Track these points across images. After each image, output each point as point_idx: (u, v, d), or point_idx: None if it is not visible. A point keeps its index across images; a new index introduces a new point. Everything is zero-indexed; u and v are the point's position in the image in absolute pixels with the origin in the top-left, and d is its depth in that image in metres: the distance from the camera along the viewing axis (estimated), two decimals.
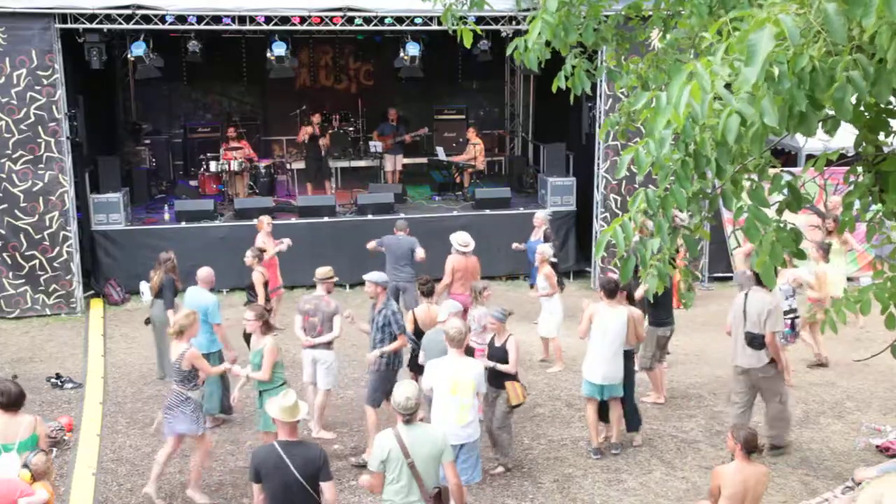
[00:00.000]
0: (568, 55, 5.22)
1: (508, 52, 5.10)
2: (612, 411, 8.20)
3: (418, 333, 8.30)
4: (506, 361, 7.56)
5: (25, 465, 5.72)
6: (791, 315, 9.33)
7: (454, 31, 5.66)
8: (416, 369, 8.44)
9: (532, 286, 11.88)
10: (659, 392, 9.34)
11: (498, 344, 7.63)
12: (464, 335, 6.62)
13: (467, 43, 5.54)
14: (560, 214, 14.28)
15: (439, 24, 12.70)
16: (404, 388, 5.44)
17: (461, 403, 6.52)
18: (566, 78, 5.34)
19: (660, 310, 8.95)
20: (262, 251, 10.40)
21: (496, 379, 7.56)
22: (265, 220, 11.72)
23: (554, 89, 5.43)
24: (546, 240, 11.53)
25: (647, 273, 3.86)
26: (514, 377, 7.61)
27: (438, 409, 6.62)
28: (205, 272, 8.86)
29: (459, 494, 5.58)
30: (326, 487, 5.37)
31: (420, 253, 11.08)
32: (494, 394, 7.65)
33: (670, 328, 9.24)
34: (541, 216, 11.83)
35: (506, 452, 7.82)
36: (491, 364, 7.54)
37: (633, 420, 8.35)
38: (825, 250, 9.97)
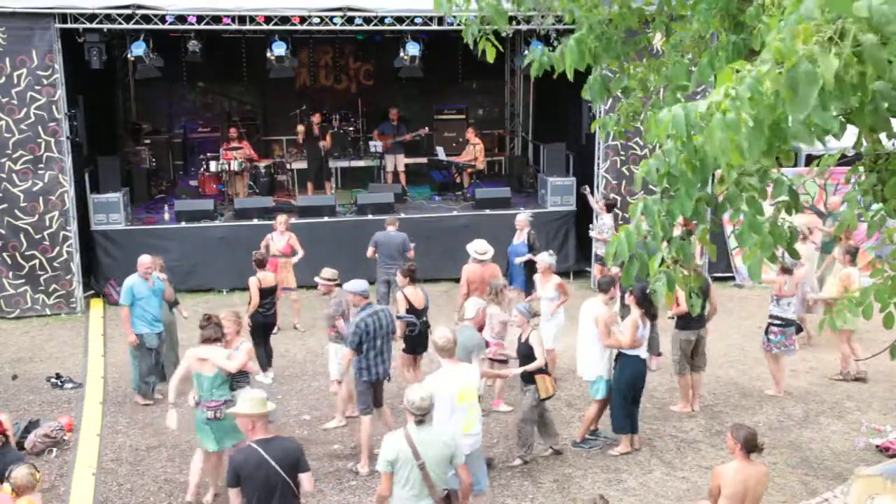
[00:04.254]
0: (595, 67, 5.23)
1: (524, 62, 5.16)
2: (589, 409, 8.34)
3: (414, 312, 8.69)
4: (532, 357, 7.64)
5: (7, 479, 5.65)
6: (778, 323, 9.33)
7: (475, 45, 5.65)
8: (412, 350, 8.79)
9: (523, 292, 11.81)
10: (686, 400, 9.15)
11: (524, 339, 7.76)
12: (452, 343, 6.48)
13: (490, 58, 5.55)
14: (560, 214, 14.30)
15: (439, 23, 12.84)
16: (419, 390, 5.42)
17: (469, 411, 6.40)
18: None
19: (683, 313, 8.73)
20: (263, 259, 10.39)
21: (526, 374, 7.73)
22: (278, 220, 11.82)
23: (584, 95, 5.48)
24: (531, 245, 11.41)
25: (656, 279, 3.87)
26: (544, 370, 7.69)
27: (444, 421, 6.30)
28: (143, 258, 9.39)
29: (468, 493, 5.57)
30: (305, 478, 5.38)
31: (410, 249, 11.34)
32: (525, 388, 7.80)
33: (696, 332, 8.90)
34: (522, 218, 11.61)
35: (527, 444, 7.88)
36: (520, 369, 7.75)
37: (615, 424, 8.17)
38: (852, 255, 9.72)
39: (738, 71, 2.83)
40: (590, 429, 8.39)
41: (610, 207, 12.88)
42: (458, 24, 5.90)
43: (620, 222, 13.35)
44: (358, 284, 7.94)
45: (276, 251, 11.44)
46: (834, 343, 10.17)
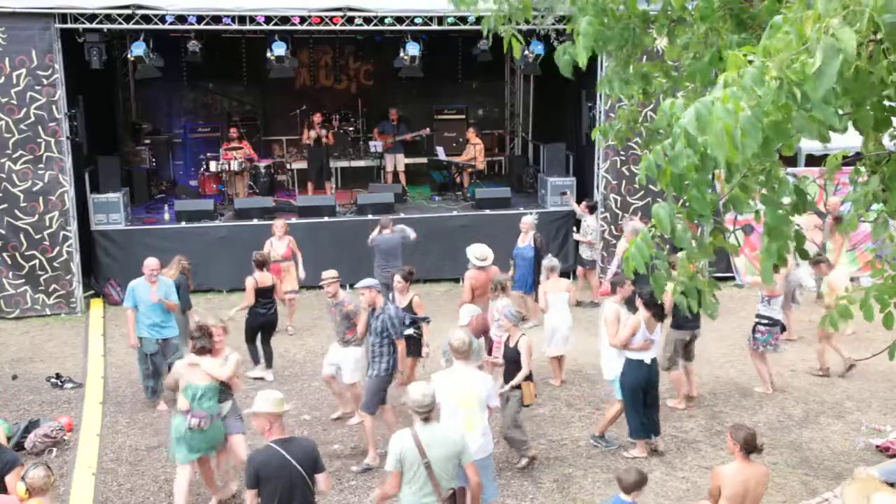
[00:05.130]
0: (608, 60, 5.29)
1: (556, 58, 5.28)
2: (608, 409, 8.34)
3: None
4: (519, 360, 7.60)
5: (23, 479, 5.61)
6: (765, 322, 9.45)
7: (483, 43, 5.75)
8: (418, 353, 8.82)
9: (526, 294, 11.66)
10: (681, 396, 9.27)
11: (511, 344, 7.67)
12: (468, 346, 6.47)
13: (517, 53, 5.61)
14: (560, 214, 14.30)
15: (439, 23, 12.83)
16: (420, 386, 5.41)
17: (467, 417, 6.34)
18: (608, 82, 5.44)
19: (681, 313, 8.68)
20: (263, 260, 10.38)
21: (512, 378, 7.68)
22: (275, 224, 11.79)
23: (600, 88, 5.62)
24: (538, 248, 11.36)
25: (676, 289, 3.88)
26: (529, 377, 7.64)
27: (444, 420, 6.33)
28: (149, 260, 9.31)
29: (478, 493, 5.53)
30: (322, 478, 5.40)
31: (411, 234, 11.44)
32: (509, 393, 7.73)
33: (691, 332, 9.10)
34: (528, 220, 11.58)
35: (524, 446, 7.84)
36: (514, 382, 7.68)
37: (629, 429, 8.19)
38: (826, 262, 10.02)
39: (750, 61, 2.82)
40: (608, 427, 8.39)
41: (592, 209, 12.94)
42: (469, 12, 5.90)
43: (621, 222, 13.35)
44: (374, 280, 8.16)
45: (278, 256, 11.41)
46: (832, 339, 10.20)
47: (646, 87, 5.33)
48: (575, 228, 13.20)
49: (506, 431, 7.81)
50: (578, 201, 14.19)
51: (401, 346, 7.89)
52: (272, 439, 5.36)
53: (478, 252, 9.66)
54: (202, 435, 6.85)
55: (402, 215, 13.65)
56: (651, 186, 12.56)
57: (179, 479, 7.00)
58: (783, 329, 9.65)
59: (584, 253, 12.90)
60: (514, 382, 7.66)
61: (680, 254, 3.82)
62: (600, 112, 13.22)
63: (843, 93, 2.72)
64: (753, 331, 9.57)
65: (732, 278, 13.94)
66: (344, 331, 8.62)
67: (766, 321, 9.45)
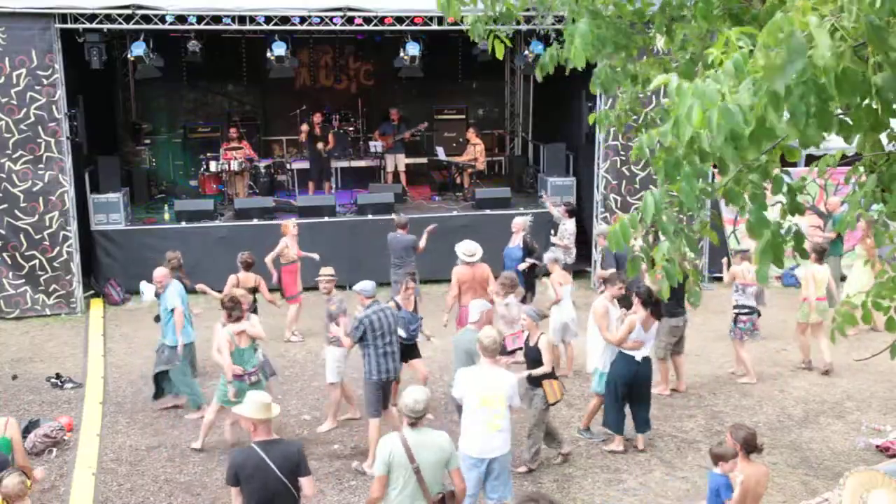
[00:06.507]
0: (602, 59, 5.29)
1: (536, 66, 5.29)
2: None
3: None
4: (540, 360, 7.57)
5: None
6: (745, 311, 9.64)
7: (483, 43, 5.72)
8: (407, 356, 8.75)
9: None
10: (665, 382, 9.46)
11: (532, 343, 7.67)
12: (498, 344, 6.46)
13: (499, 54, 5.61)
14: None
15: (439, 24, 12.83)
16: (413, 392, 5.36)
17: (491, 415, 6.34)
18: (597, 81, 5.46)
19: (671, 300, 8.86)
20: (251, 262, 10.36)
21: (534, 377, 7.66)
22: (290, 224, 11.71)
23: (592, 89, 5.59)
24: (527, 248, 11.40)
25: (655, 274, 3.88)
26: (551, 375, 7.63)
27: (467, 420, 6.44)
28: (156, 271, 9.33)
29: (463, 498, 5.50)
30: (305, 482, 5.33)
31: (419, 244, 11.38)
32: (532, 392, 7.70)
33: (682, 318, 9.33)
34: (519, 221, 11.62)
35: (534, 450, 7.83)
36: (526, 372, 7.65)
37: (604, 418, 8.30)
38: (818, 253, 10.05)
39: (741, 46, 2.81)
40: (591, 420, 8.47)
41: (572, 214, 12.99)
42: (461, 23, 5.90)
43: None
44: (364, 284, 8.06)
45: (296, 255, 11.40)
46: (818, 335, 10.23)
47: (648, 80, 5.32)
48: (553, 232, 13.24)
49: (531, 429, 7.81)
50: (580, 201, 14.23)
51: (349, 344, 8.10)
52: (255, 440, 5.33)
53: (465, 248, 9.73)
54: (254, 386, 7.61)
55: (403, 215, 13.63)
56: (651, 187, 12.52)
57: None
58: (758, 315, 9.82)
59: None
60: (525, 374, 7.61)
61: (663, 239, 3.82)
62: (600, 109, 13.21)
63: (838, 94, 2.71)
64: (735, 322, 9.75)
65: None
66: (329, 330, 8.69)
67: (746, 310, 9.67)
